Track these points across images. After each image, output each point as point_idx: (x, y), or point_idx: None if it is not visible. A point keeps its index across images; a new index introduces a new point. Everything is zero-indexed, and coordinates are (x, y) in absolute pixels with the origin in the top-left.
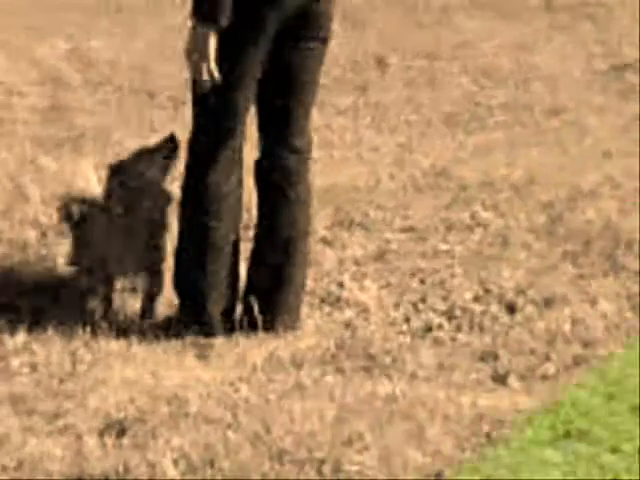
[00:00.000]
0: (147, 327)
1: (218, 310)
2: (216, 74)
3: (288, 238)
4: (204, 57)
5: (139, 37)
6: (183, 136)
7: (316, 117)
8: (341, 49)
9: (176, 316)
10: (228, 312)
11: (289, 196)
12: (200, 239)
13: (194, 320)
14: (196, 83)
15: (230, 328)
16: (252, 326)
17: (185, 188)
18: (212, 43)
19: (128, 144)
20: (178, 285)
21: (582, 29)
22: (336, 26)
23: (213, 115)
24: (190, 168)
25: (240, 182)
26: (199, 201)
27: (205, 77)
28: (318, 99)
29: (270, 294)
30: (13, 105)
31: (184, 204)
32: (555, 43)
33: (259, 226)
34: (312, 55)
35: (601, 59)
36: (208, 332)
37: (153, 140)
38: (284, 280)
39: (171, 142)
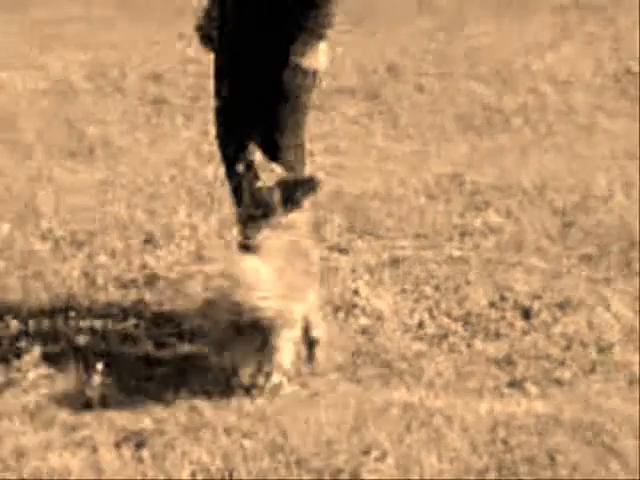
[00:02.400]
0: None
1: None
2: None
3: None
4: None
5: (150, 44)
6: (196, 142)
7: (328, 124)
8: (352, 56)
9: None
10: None
11: None
12: None
13: None
14: None
15: None
16: None
17: None
18: None
19: (140, 154)
20: None
21: (595, 33)
22: (347, 32)
23: None
24: None
25: None
26: None
27: None
28: (330, 106)
29: None
30: (25, 115)
31: None
32: (568, 47)
33: None
34: None
35: (614, 63)
36: None
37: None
38: None
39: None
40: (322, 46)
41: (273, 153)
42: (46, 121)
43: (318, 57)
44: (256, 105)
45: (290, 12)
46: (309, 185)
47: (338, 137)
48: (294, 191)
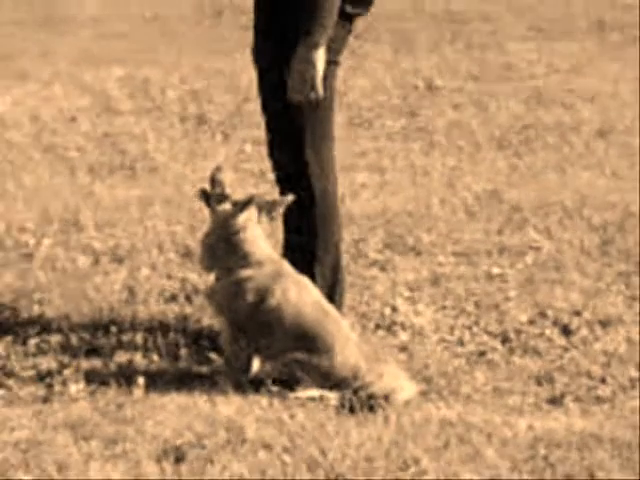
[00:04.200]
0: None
1: None
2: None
3: None
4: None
5: (188, 63)
6: (234, 162)
7: (367, 141)
8: (390, 73)
9: None
10: None
11: None
12: None
13: None
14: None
15: None
16: None
17: None
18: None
19: (178, 171)
20: None
21: (632, 50)
22: (385, 50)
23: None
24: None
25: None
26: None
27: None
28: (369, 123)
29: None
30: (67, 132)
31: None
32: (604, 64)
33: None
34: None
35: None
36: None
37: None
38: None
39: None
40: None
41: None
42: (88, 137)
43: None
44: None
45: None
46: None
47: (378, 154)
48: None
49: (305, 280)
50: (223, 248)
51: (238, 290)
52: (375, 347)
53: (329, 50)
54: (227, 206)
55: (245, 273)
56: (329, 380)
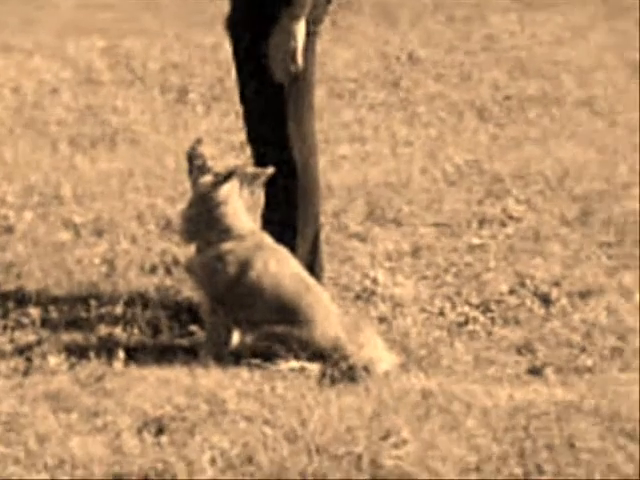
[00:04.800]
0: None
1: None
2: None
3: None
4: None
5: (170, 34)
6: (215, 134)
7: (348, 113)
8: (372, 45)
9: None
10: None
11: None
12: None
13: None
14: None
15: None
16: None
17: None
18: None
19: (160, 143)
20: None
21: (615, 21)
22: (367, 22)
23: None
24: None
25: None
26: None
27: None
28: (350, 94)
29: None
30: (48, 104)
31: None
32: (589, 36)
33: None
34: None
35: (636, 51)
36: None
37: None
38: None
39: None
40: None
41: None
42: (69, 109)
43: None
44: None
45: None
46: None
47: (359, 125)
48: None
49: (285, 252)
50: (204, 221)
51: (218, 263)
52: (355, 318)
53: (309, 21)
54: (208, 178)
55: (226, 246)
56: (309, 351)
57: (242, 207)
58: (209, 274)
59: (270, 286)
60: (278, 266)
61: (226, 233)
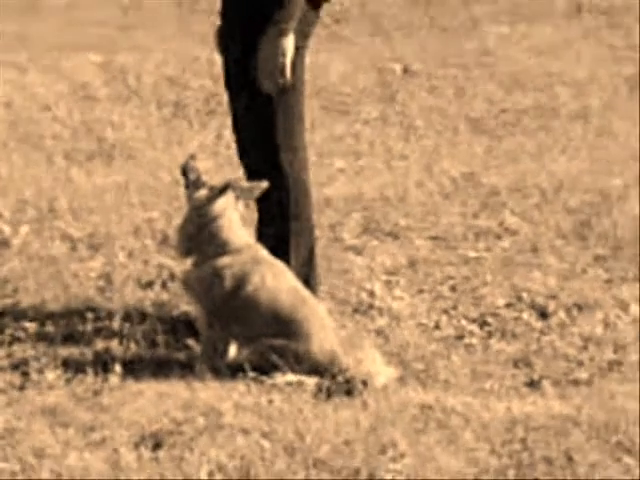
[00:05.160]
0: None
1: None
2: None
3: None
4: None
5: (164, 49)
6: (212, 148)
7: (344, 127)
8: (367, 58)
9: None
10: None
11: None
12: None
13: None
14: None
15: None
16: None
17: None
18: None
19: (155, 158)
20: None
21: (610, 34)
22: (362, 35)
23: None
24: None
25: None
26: None
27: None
28: (345, 109)
29: None
30: (43, 119)
31: None
32: (582, 48)
33: None
34: None
35: (629, 64)
36: None
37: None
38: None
39: None
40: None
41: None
42: (64, 124)
43: None
44: None
45: None
46: None
47: (354, 140)
48: None
49: (281, 266)
50: (200, 235)
51: (215, 277)
52: (352, 332)
53: (298, 35)
54: (203, 192)
55: (222, 261)
56: (305, 365)
57: (238, 220)
58: (206, 288)
59: (266, 300)
60: (275, 280)
61: (222, 247)
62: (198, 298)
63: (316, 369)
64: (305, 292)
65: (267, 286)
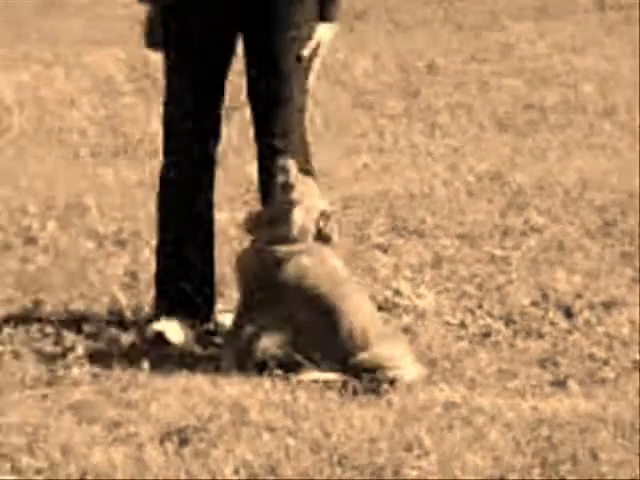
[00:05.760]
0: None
1: None
2: None
3: None
4: None
5: None
6: (238, 140)
7: (369, 123)
8: (390, 54)
9: None
10: None
11: None
12: None
13: None
14: None
15: None
16: None
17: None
18: None
19: None
20: None
21: (634, 30)
22: (386, 32)
23: None
24: None
25: None
26: None
27: None
28: (370, 104)
29: None
30: (68, 115)
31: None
32: (606, 44)
33: None
34: None
35: None
36: None
37: None
38: None
39: None
40: None
41: None
42: (90, 120)
43: None
44: None
45: None
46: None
47: (379, 136)
48: None
49: (326, 251)
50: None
51: (263, 259)
52: (390, 325)
53: None
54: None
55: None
56: (334, 345)
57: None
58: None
59: (305, 279)
60: (314, 259)
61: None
62: (242, 277)
63: (345, 349)
64: (345, 273)
65: (305, 265)
